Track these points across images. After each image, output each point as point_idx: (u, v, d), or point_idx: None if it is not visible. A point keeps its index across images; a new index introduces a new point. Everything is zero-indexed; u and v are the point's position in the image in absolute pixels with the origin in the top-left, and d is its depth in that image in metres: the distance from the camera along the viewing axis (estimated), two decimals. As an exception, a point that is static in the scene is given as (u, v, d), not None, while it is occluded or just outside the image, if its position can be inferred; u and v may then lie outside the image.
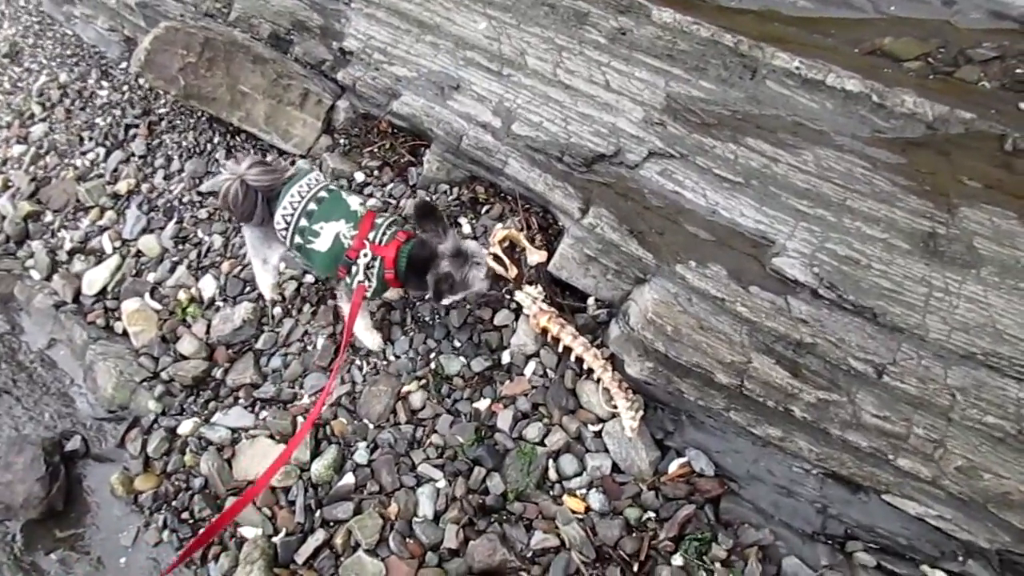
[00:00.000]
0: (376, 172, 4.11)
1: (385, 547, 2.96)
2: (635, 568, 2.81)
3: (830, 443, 2.75)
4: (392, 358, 3.50)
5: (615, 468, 3.09)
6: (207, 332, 3.84)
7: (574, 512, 2.97)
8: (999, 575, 2.61)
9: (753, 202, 3.12)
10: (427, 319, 3.56)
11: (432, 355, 3.45)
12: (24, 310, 4.42)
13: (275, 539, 3.09)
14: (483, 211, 3.77)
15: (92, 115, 5.22)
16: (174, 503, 3.37)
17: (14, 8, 6.66)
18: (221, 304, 3.94)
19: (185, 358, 3.79)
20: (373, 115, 4.21)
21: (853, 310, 2.79)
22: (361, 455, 3.24)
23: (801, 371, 2.77)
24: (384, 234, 3.05)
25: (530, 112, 3.57)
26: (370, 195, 4.00)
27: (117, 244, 4.43)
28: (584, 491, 3.05)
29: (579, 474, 3.08)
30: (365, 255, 3.03)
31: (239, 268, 4.01)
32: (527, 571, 2.84)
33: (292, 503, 3.18)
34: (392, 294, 3.58)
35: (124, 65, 5.43)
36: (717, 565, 2.79)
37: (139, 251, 4.34)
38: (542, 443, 3.15)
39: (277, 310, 3.81)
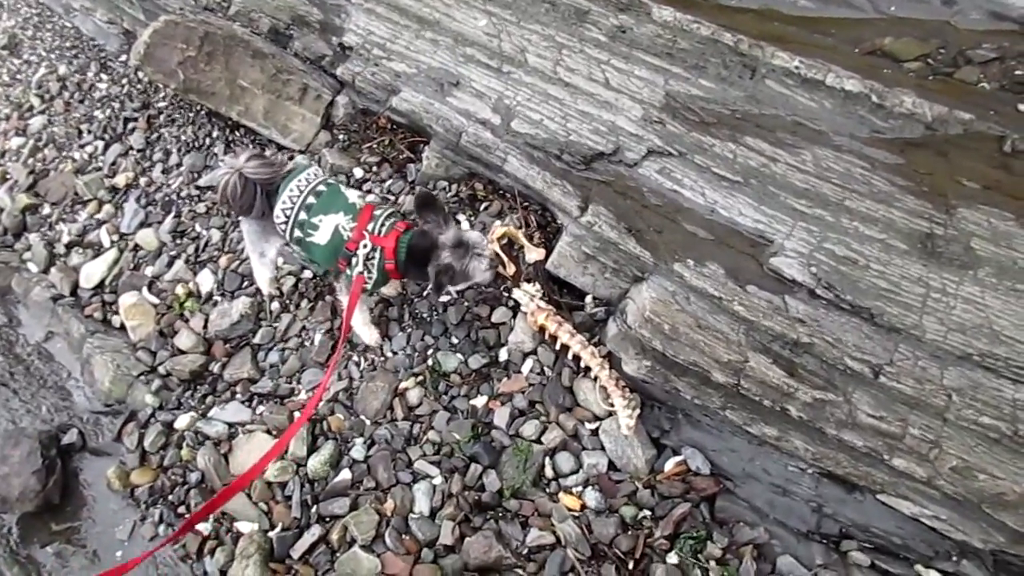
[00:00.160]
0: (375, 168, 4.10)
1: (381, 543, 2.97)
2: (630, 566, 2.82)
3: (826, 442, 2.75)
4: (389, 354, 3.50)
5: (611, 466, 3.10)
6: (205, 327, 3.85)
7: (570, 510, 2.98)
8: (993, 575, 2.62)
9: (751, 201, 3.12)
10: (425, 316, 3.56)
11: (429, 352, 3.45)
12: (21, 303, 4.42)
13: (271, 534, 3.10)
14: (482, 208, 3.77)
15: (91, 108, 5.21)
16: (170, 497, 3.38)
17: None
18: (219, 299, 3.94)
19: (182, 352, 3.80)
20: (372, 111, 4.21)
21: (850, 310, 2.79)
22: (358, 451, 3.25)
23: (798, 370, 2.78)
24: (383, 225, 3.05)
25: (529, 109, 3.56)
26: (369, 191, 3.99)
27: (115, 238, 4.44)
28: (580, 489, 3.06)
29: (575, 472, 3.09)
30: (364, 246, 3.03)
31: (237, 263, 4.02)
32: (522, 568, 2.85)
33: (288, 498, 3.19)
34: (390, 290, 3.58)
35: (123, 58, 5.41)
36: (712, 563, 2.80)
37: (137, 245, 4.34)
38: (539, 440, 3.16)
39: (275, 305, 3.81)
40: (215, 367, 3.72)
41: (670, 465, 3.06)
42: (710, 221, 3.13)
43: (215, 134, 4.63)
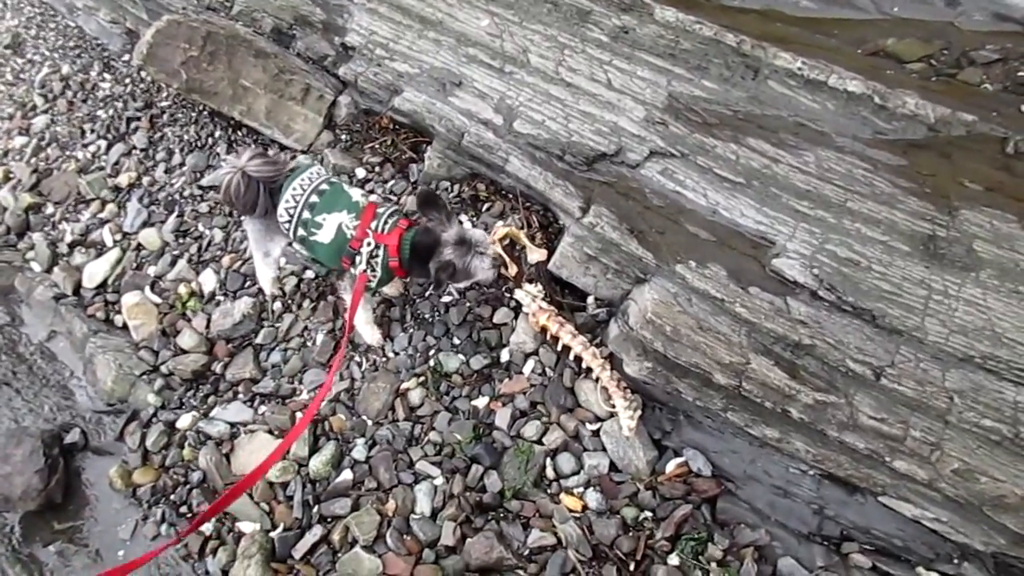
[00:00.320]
0: (377, 168, 4.10)
1: (382, 543, 2.97)
2: (631, 567, 2.82)
3: (827, 444, 2.75)
4: (391, 355, 3.50)
5: (612, 467, 3.10)
6: (207, 326, 3.85)
7: (571, 511, 2.98)
8: (994, 578, 2.63)
9: (754, 203, 3.12)
10: (426, 316, 3.57)
11: (431, 352, 3.45)
12: (25, 302, 4.43)
13: (273, 534, 3.11)
14: (484, 208, 3.78)
15: (94, 107, 5.22)
16: (172, 497, 3.39)
17: (16, -2, 6.66)
18: (221, 298, 3.94)
19: (185, 352, 3.80)
20: (375, 111, 4.21)
21: (852, 312, 2.79)
22: (359, 451, 3.25)
23: (799, 372, 2.78)
24: (386, 223, 3.06)
25: (532, 110, 3.56)
26: (371, 191, 4.00)
27: (118, 237, 4.44)
28: (581, 490, 3.06)
29: (576, 473, 3.09)
30: (368, 244, 3.03)
31: (239, 263, 4.02)
32: (524, 569, 2.85)
33: (290, 498, 3.19)
34: (392, 290, 3.59)
35: (126, 58, 5.42)
36: (713, 565, 2.80)
37: (140, 244, 4.35)
38: (540, 441, 3.16)
39: (277, 305, 3.82)
40: (217, 367, 3.73)
41: (671, 466, 3.06)
42: (712, 222, 3.13)
43: (217, 134, 4.63)
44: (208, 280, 4.02)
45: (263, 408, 3.52)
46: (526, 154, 3.54)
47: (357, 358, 3.54)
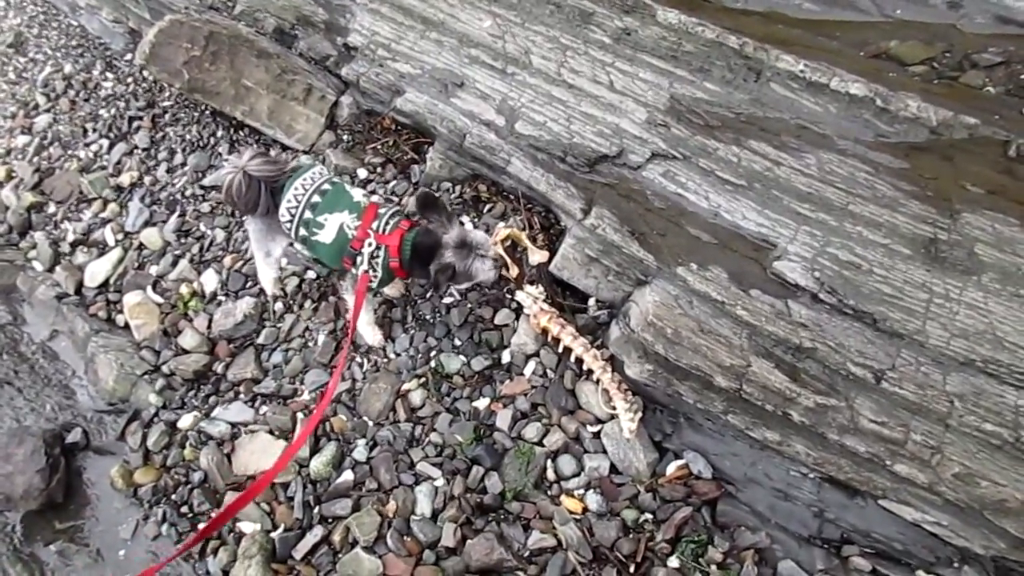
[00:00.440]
0: (379, 169, 4.11)
1: (383, 544, 2.98)
2: (631, 569, 2.82)
3: (828, 448, 2.75)
4: (392, 356, 3.51)
5: (613, 469, 3.10)
6: (208, 326, 3.85)
7: (571, 512, 2.98)
8: (994, 582, 2.62)
9: (755, 205, 3.12)
10: (428, 317, 3.57)
11: (432, 353, 3.46)
12: (26, 301, 4.43)
13: (273, 534, 3.11)
14: (485, 210, 3.78)
15: (96, 107, 5.22)
16: (173, 497, 3.39)
17: (19, -3, 6.67)
18: (223, 298, 3.95)
19: (186, 352, 3.80)
20: (377, 111, 4.21)
21: (853, 315, 2.79)
22: (360, 452, 3.25)
23: (800, 375, 2.78)
24: (387, 223, 3.07)
25: (533, 111, 3.57)
26: (373, 192, 4.00)
27: (120, 237, 4.44)
28: (582, 492, 3.06)
29: (577, 475, 3.09)
30: (369, 244, 3.04)
31: (241, 263, 4.02)
32: (524, 571, 2.85)
33: (291, 499, 3.20)
34: (393, 291, 3.59)
35: (129, 57, 5.42)
36: (713, 567, 2.80)
37: (141, 244, 4.35)
38: (541, 443, 3.16)
39: (278, 305, 3.82)
40: (219, 367, 3.73)
41: (672, 469, 3.06)
42: (713, 225, 3.13)
43: (219, 134, 4.64)
44: (210, 280, 4.02)
45: (264, 408, 3.52)
46: (528, 155, 3.54)
47: (358, 359, 3.54)
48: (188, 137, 4.72)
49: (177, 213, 4.40)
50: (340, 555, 3.00)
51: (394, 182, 4.03)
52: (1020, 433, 2.51)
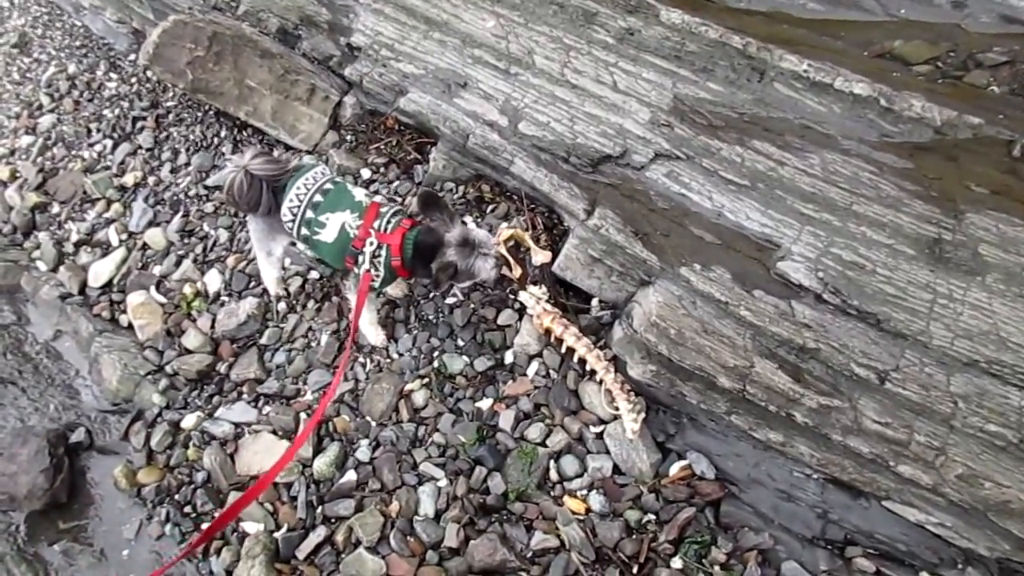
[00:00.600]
0: (382, 169, 4.11)
1: (386, 545, 2.98)
2: (634, 570, 2.82)
3: (831, 448, 2.75)
4: (395, 356, 3.51)
5: (616, 470, 3.09)
6: (212, 326, 3.86)
7: (574, 513, 2.98)
8: (998, 583, 2.62)
9: (759, 205, 3.11)
10: (431, 318, 3.57)
11: (435, 353, 3.46)
12: (30, 301, 4.45)
13: (277, 535, 3.12)
14: (488, 210, 3.78)
15: (100, 107, 5.24)
16: (177, 497, 3.40)
17: (23, -2, 6.69)
18: (226, 299, 3.96)
19: (189, 352, 3.81)
20: (380, 112, 4.22)
21: (857, 315, 2.78)
22: (363, 452, 3.26)
23: (803, 376, 2.77)
24: (389, 223, 3.07)
25: (537, 111, 3.56)
26: (376, 192, 4.00)
27: (123, 237, 4.46)
28: (585, 492, 3.05)
29: (580, 475, 3.09)
30: (371, 243, 3.04)
31: (244, 263, 4.03)
32: (527, 571, 2.85)
33: (294, 499, 3.20)
34: (396, 291, 3.59)
35: (132, 57, 5.44)
36: (716, 568, 2.80)
37: (145, 244, 4.36)
38: (543, 444, 3.16)
39: (282, 306, 3.83)
40: (222, 367, 3.74)
41: (675, 469, 3.06)
42: (717, 225, 3.13)
43: (223, 134, 4.65)
44: (213, 280, 4.03)
45: (267, 408, 3.53)
46: (531, 156, 3.54)
47: (361, 359, 3.54)
48: (192, 137, 4.73)
49: (181, 213, 4.41)
50: (343, 555, 3.01)
51: (397, 182, 4.03)
52: (1024, 434, 2.50)
